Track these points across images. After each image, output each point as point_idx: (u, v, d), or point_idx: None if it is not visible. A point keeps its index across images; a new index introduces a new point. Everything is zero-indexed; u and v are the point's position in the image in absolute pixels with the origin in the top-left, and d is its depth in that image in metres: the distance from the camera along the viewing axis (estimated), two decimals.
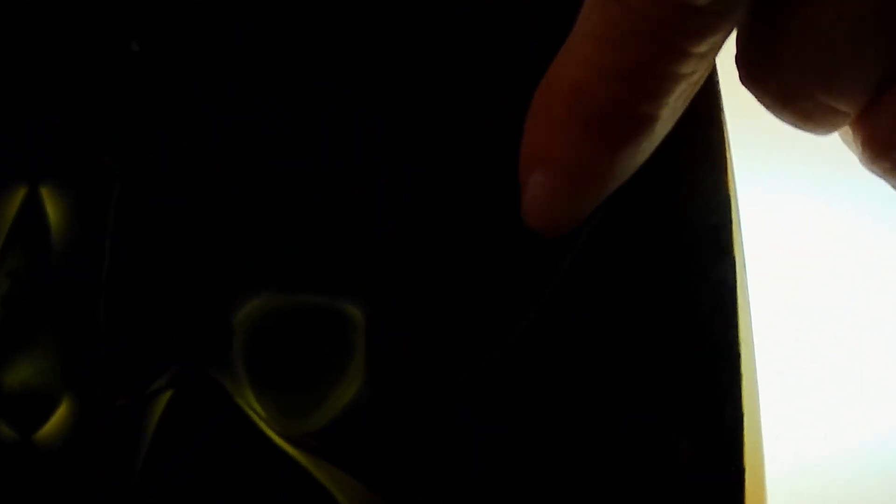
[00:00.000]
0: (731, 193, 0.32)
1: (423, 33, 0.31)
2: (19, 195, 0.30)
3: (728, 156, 0.31)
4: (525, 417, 0.30)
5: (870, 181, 0.28)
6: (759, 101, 0.28)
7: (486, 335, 0.30)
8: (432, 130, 0.31)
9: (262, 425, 0.30)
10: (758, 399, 0.32)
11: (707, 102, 0.31)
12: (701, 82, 0.28)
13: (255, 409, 0.30)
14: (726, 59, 0.28)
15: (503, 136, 0.30)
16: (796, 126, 0.28)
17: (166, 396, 0.30)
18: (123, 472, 0.29)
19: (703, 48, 0.26)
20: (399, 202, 0.30)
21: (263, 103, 0.30)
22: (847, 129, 0.28)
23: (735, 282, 0.30)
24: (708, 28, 0.25)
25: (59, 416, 0.30)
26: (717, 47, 0.27)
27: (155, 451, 0.29)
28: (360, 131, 0.31)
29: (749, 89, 0.28)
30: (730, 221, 0.31)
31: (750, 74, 0.27)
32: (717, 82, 0.32)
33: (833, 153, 0.31)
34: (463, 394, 0.30)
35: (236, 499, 0.29)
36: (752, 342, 0.31)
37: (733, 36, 0.27)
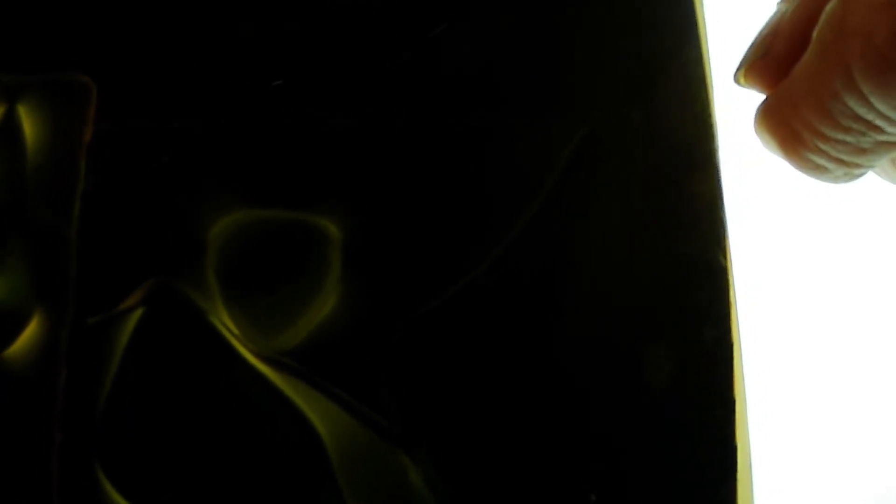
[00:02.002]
0: (713, 121, 0.31)
1: None
2: None
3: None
4: (502, 335, 0.29)
5: None
6: None
7: (462, 254, 0.29)
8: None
9: (236, 343, 0.29)
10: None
11: None
12: None
13: (228, 326, 0.29)
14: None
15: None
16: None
17: (137, 314, 0.29)
18: (93, 391, 0.29)
19: None
20: (380, 120, 0.30)
21: (238, 16, 0.30)
22: None
23: (716, 196, 0.30)
24: None
25: (29, 333, 0.29)
26: None
27: (125, 370, 0.29)
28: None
29: None
30: (711, 136, 0.30)
31: None
32: None
33: None
34: (440, 311, 0.29)
35: (208, 419, 0.29)
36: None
37: None
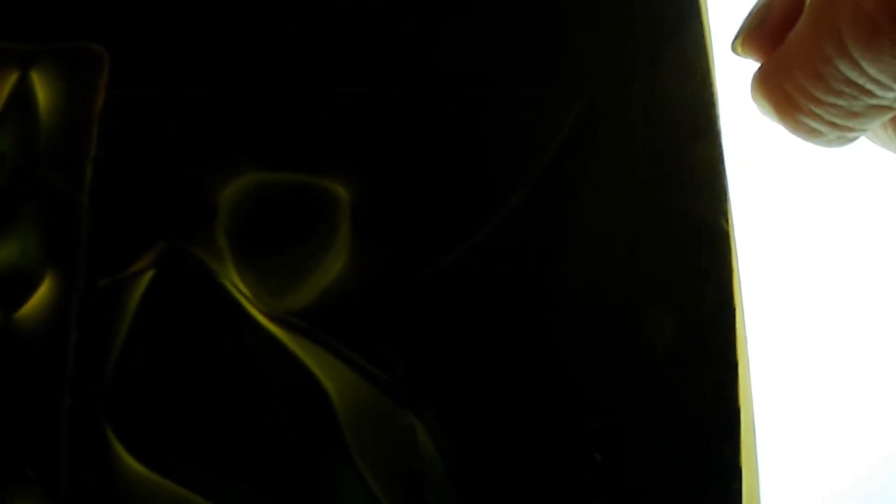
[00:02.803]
0: (714, 89, 0.32)
1: None
2: (11, 80, 0.30)
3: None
4: (506, 298, 0.29)
5: None
6: None
7: (467, 218, 0.30)
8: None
9: (246, 304, 0.29)
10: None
11: None
12: None
13: (238, 287, 0.29)
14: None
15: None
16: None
17: (148, 276, 0.29)
18: (104, 353, 0.29)
19: None
20: (386, 87, 0.30)
21: None
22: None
23: (718, 162, 0.30)
24: None
25: (41, 294, 0.29)
26: None
27: (136, 332, 0.29)
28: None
29: None
30: (712, 104, 0.31)
31: None
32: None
33: None
34: (445, 273, 0.30)
35: (217, 379, 0.29)
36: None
37: None
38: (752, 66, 0.29)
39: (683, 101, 0.31)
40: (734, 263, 0.30)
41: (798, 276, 0.40)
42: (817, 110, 0.27)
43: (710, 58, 0.31)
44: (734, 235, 0.30)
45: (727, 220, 0.30)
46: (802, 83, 0.27)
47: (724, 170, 0.31)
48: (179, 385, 0.29)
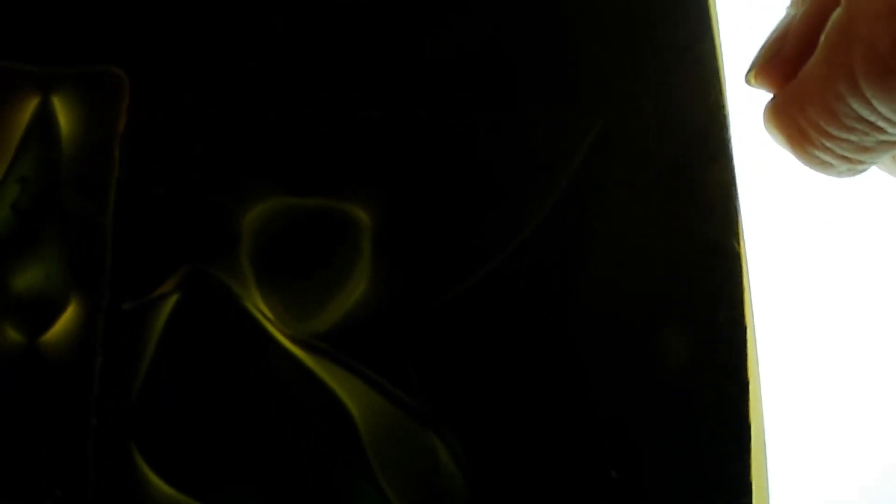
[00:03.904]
0: (726, 112, 0.33)
1: None
2: (32, 104, 0.31)
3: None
4: (524, 319, 0.30)
5: None
6: None
7: (486, 241, 0.30)
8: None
9: (270, 327, 0.30)
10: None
11: None
12: None
13: (262, 310, 0.30)
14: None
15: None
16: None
17: (173, 300, 0.30)
18: (129, 376, 0.29)
19: None
20: (406, 112, 0.31)
21: (270, 6, 0.31)
22: None
23: (730, 184, 0.31)
24: None
25: (66, 319, 0.30)
26: None
27: (161, 355, 0.30)
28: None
29: None
30: (724, 126, 0.32)
31: None
32: None
33: None
34: (465, 296, 0.30)
35: (242, 401, 0.29)
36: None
37: None
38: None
39: (696, 123, 0.32)
40: (746, 283, 0.31)
41: (805, 286, 0.41)
42: (829, 144, 0.28)
43: (722, 79, 0.32)
44: (746, 255, 0.31)
45: (739, 241, 0.31)
46: (815, 118, 0.27)
47: (736, 191, 0.31)
48: (205, 407, 0.29)
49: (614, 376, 0.30)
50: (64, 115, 0.30)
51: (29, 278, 0.30)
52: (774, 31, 0.30)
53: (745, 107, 0.33)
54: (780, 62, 0.29)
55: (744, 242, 0.31)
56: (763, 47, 0.30)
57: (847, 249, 0.43)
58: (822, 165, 0.29)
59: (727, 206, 0.31)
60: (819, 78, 0.27)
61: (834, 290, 0.42)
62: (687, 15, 0.32)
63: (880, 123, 0.26)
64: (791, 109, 0.28)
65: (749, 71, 0.30)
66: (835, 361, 0.42)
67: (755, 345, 0.31)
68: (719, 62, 0.32)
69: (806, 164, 0.29)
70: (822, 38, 0.27)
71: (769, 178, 0.41)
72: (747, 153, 0.33)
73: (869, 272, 0.42)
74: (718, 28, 0.32)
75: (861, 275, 0.42)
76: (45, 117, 0.30)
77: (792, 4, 0.30)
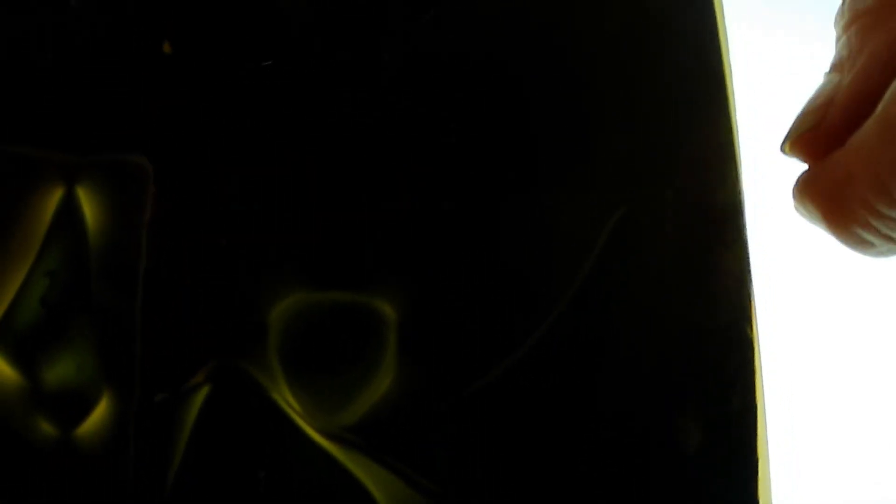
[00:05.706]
0: (742, 199, 0.33)
1: None
2: (56, 196, 0.31)
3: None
4: (546, 409, 0.31)
5: None
6: None
7: (509, 332, 0.31)
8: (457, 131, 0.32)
9: (298, 420, 0.30)
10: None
11: None
12: None
13: (290, 403, 0.30)
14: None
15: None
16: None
17: (204, 391, 0.30)
18: (162, 468, 0.30)
19: None
20: (428, 203, 0.31)
21: (293, 100, 0.31)
22: None
23: (744, 271, 0.32)
24: None
25: (99, 412, 0.30)
26: None
27: (193, 446, 0.30)
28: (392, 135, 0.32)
29: None
30: (740, 213, 0.32)
31: None
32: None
33: None
34: (489, 387, 0.31)
35: (273, 494, 0.30)
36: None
37: None
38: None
39: (713, 210, 0.32)
40: (758, 368, 0.32)
41: (817, 352, 0.42)
42: (875, 222, 0.26)
43: (739, 168, 0.32)
44: (758, 342, 0.32)
45: (752, 327, 0.32)
46: (864, 194, 0.26)
47: (750, 277, 0.32)
48: (236, 498, 0.30)
49: (631, 459, 0.31)
50: (89, 207, 0.31)
51: (61, 372, 0.30)
52: (815, 99, 0.28)
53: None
54: (823, 132, 0.28)
55: (757, 327, 0.32)
56: (802, 115, 0.28)
57: (863, 331, 0.43)
58: (861, 245, 0.27)
59: (741, 293, 0.32)
60: (873, 150, 0.25)
61: (845, 354, 0.43)
62: (704, 102, 0.32)
63: None
64: (834, 182, 0.26)
65: (785, 140, 0.29)
66: (846, 427, 0.43)
67: (765, 425, 0.33)
68: (736, 148, 0.33)
69: (844, 243, 0.27)
70: (880, 107, 0.25)
71: (786, 253, 0.41)
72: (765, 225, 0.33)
73: (883, 343, 0.43)
74: (736, 111, 0.33)
75: (875, 355, 0.43)
76: (70, 210, 0.31)
77: (832, 70, 0.28)
